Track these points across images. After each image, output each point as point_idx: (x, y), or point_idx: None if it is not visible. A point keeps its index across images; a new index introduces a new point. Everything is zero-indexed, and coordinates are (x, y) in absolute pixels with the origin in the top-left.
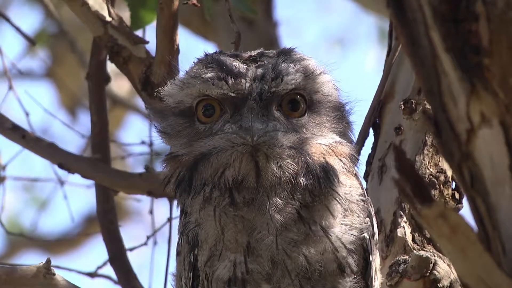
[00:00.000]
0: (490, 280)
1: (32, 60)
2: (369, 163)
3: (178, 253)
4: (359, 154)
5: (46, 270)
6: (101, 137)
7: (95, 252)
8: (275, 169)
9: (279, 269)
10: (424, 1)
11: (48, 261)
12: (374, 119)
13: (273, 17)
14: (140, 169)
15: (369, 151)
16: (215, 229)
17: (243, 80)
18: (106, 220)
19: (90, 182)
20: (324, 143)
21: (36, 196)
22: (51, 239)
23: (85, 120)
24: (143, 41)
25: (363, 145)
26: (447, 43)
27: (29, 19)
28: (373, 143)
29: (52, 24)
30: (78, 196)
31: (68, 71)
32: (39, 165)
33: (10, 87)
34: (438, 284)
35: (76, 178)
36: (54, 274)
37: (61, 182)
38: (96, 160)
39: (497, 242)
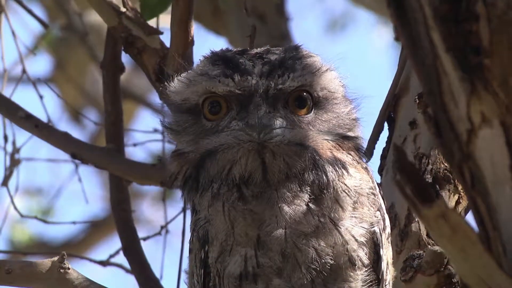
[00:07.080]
0: (490, 281)
1: (35, 63)
2: (383, 157)
3: (190, 251)
4: (373, 148)
5: (61, 264)
6: (115, 127)
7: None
8: (281, 166)
9: (290, 263)
10: (424, 1)
11: (63, 256)
12: (389, 113)
13: (284, 12)
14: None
15: (384, 145)
16: (224, 224)
17: (249, 77)
18: (120, 210)
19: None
20: (330, 139)
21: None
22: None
23: (89, 124)
24: (157, 32)
25: (377, 139)
26: (448, 43)
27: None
28: (388, 137)
29: (56, 24)
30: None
31: (71, 74)
32: None
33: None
34: (452, 279)
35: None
36: (68, 269)
37: (76, 165)
38: (109, 150)
39: (497, 243)
